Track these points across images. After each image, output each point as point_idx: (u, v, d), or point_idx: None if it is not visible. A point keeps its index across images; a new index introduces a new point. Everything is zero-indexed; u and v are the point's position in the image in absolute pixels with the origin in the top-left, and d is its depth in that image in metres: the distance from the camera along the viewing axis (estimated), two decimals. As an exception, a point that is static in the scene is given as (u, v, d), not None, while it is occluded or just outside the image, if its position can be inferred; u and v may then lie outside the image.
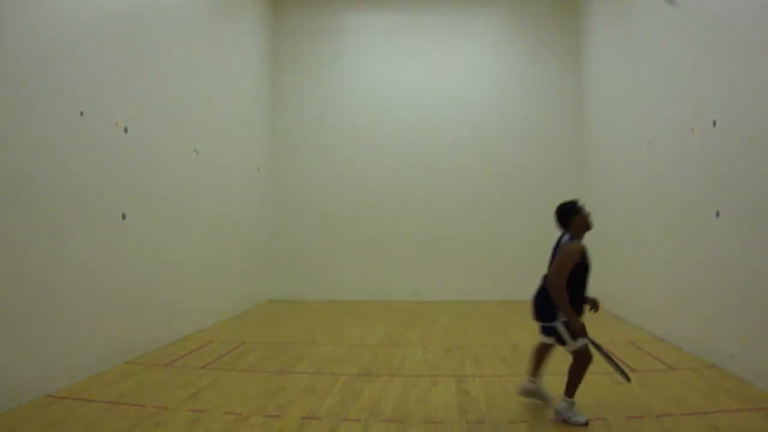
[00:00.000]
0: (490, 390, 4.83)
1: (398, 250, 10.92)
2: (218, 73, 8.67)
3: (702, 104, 5.84)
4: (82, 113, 5.25)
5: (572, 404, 4.04)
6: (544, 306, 4.14)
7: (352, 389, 4.90)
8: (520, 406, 4.41)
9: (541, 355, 4.46)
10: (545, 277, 4.20)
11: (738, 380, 4.94)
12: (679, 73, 6.44)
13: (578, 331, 3.94)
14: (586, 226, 4.22)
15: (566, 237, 4.18)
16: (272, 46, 11.29)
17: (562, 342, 4.07)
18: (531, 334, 7.32)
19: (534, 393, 4.44)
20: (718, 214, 5.47)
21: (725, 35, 5.37)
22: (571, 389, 4.06)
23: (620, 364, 4.41)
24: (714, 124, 5.56)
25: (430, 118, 11.04)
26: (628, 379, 4.18)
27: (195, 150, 7.74)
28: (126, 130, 5.98)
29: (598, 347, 4.08)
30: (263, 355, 6.26)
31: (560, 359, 5.59)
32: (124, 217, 5.93)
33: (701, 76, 5.88)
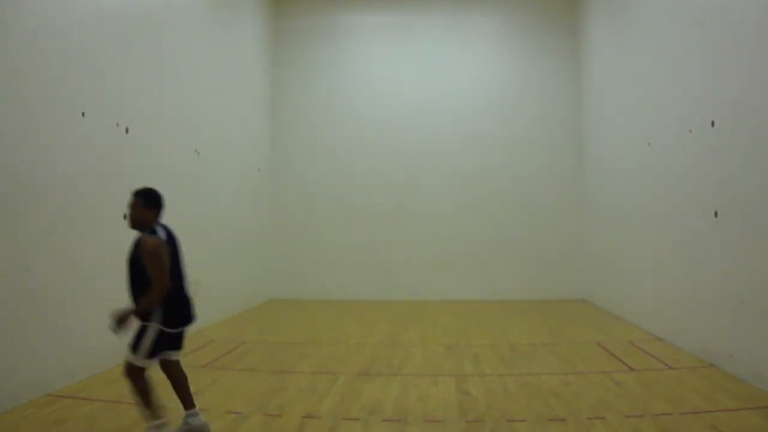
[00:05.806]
0: (490, 390, 4.85)
1: (398, 250, 10.93)
2: (219, 74, 8.68)
3: (700, 105, 5.85)
4: (83, 114, 5.26)
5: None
6: None
7: (352, 389, 4.91)
8: (520, 405, 4.43)
9: None
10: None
11: (737, 380, 4.95)
12: (677, 74, 6.45)
13: None
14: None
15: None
16: (272, 46, 11.29)
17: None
18: (530, 333, 7.38)
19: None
20: (716, 214, 5.49)
21: (724, 35, 5.39)
22: None
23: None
24: (712, 124, 5.58)
25: (429, 117, 11.04)
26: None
27: (196, 151, 7.75)
28: (127, 130, 5.99)
29: None
30: (264, 355, 6.28)
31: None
32: (125, 217, 5.93)
33: (700, 77, 5.89)
